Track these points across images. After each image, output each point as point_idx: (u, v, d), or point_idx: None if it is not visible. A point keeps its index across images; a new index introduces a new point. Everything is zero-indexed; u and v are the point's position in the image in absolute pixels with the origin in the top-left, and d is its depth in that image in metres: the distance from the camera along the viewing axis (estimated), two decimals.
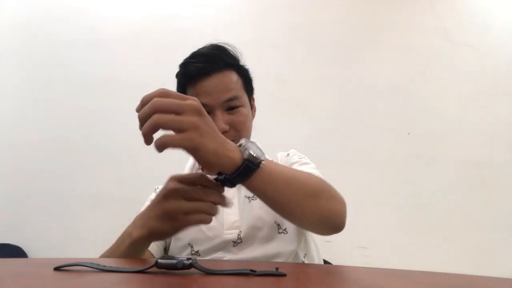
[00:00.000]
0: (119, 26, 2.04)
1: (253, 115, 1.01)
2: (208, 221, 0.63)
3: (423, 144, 1.95)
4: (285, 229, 0.90)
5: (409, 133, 1.96)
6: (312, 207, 0.69)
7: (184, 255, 0.90)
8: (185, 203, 0.63)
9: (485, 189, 1.91)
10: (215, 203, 0.64)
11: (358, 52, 2.04)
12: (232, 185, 0.64)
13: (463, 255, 1.84)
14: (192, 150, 0.56)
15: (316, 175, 0.80)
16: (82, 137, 1.94)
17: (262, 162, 0.62)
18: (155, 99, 0.55)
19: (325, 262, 1.26)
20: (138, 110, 0.57)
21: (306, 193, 0.70)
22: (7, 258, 1.47)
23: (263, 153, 0.64)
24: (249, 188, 0.65)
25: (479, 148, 1.95)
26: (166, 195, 0.65)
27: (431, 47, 2.04)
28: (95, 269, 0.50)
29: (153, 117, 0.54)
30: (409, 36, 2.05)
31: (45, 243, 1.85)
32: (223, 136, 0.61)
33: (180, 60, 0.96)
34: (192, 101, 0.57)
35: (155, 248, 0.91)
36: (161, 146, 0.54)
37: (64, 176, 1.91)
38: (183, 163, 1.03)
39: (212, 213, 0.63)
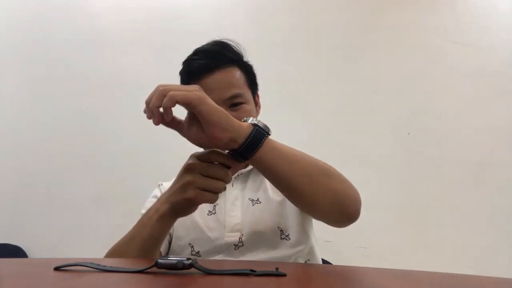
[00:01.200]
0: (120, 26, 2.04)
1: (258, 112, 1.00)
2: (212, 200, 0.68)
3: (423, 144, 1.95)
4: (287, 235, 0.89)
5: (409, 133, 1.96)
6: (324, 185, 0.70)
7: (184, 255, 0.90)
8: (200, 178, 0.67)
9: (485, 189, 1.91)
10: (221, 179, 0.68)
11: (358, 52, 2.03)
12: (243, 158, 0.67)
13: (463, 255, 1.84)
14: (197, 103, 0.60)
15: None
16: (82, 137, 1.94)
17: (270, 132, 0.67)
18: (161, 88, 0.62)
19: (325, 262, 1.25)
20: (145, 111, 0.64)
21: (318, 170, 0.71)
22: (7, 258, 1.47)
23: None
24: (258, 162, 0.67)
25: (479, 148, 1.94)
26: (186, 169, 0.69)
27: (431, 47, 2.03)
28: (95, 269, 0.50)
29: (169, 93, 0.60)
30: (409, 36, 2.04)
31: (45, 243, 1.85)
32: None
33: (180, 60, 0.95)
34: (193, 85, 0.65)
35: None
36: (170, 100, 0.60)
37: (64, 176, 1.91)
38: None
39: (217, 190, 0.68)
